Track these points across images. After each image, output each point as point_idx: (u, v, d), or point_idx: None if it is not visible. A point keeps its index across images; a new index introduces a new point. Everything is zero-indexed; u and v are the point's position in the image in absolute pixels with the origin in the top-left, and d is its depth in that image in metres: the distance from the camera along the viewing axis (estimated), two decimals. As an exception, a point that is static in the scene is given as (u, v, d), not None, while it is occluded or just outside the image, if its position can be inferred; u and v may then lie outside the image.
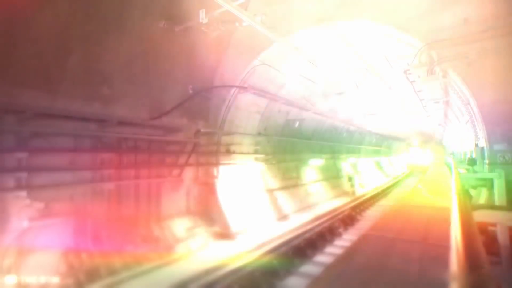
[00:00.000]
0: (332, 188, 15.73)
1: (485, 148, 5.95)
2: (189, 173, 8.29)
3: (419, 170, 32.61)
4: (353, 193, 16.58)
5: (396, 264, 3.34)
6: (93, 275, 5.35)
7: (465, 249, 0.78)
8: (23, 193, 4.90)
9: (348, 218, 10.43)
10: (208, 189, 8.87)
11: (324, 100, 12.50)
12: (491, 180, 5.61)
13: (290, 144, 12.65)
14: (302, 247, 7.32)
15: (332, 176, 16.68)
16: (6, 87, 4.84)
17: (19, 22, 4.65)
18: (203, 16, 5.57)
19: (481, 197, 6.62)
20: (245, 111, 9.41)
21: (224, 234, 8.15)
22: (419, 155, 39.00)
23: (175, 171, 7.84)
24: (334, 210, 11.91)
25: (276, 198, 10.90)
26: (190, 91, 7.87)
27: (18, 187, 4.92)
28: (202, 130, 8.35)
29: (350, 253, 3.78)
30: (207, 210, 8.79)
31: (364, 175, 22.00)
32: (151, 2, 5.97)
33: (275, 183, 11.36)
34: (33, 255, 5.14)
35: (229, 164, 9.05)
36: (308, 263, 6.71)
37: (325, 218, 10.23)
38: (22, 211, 4.93)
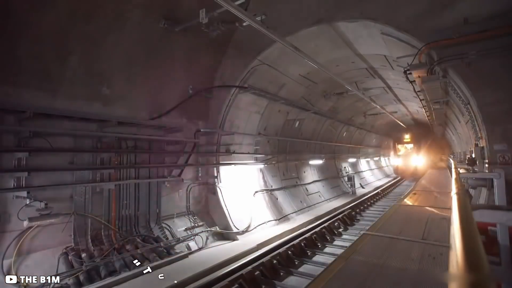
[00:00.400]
0: (332, 188, 15.73)
1: (485, 148, 5.95)
2: (189, 173, 8.30)
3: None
4: (353, 193, 16.58)
5: (395, 263, 3.34)
6: (93, 275, 5.35)
7: (465, 249, 0.77)
8: (23, 193, 4.90)
9: (348, 218, 10.44)
10: (208, 189, 8.88)
11: (324, 100, 12.50)
12: (491, 180, 5.61)
13: (290, 144, 12.65)
14: (302, 247, 7.33)
15: (332, 176, 16.68)
16: (6, 87, 4.84)
17: (19, 22, 4.66)
18: (203, 16, 5.57)
19: (481, 197, 6.62)
20: (245, 111, 9.41)
21: (225, 234, 8.16)
22: (411, 154, 27.59)
23: (175, 171, 7.85)
24: (334, 210, 11.92)
25: (276, 198, 10.91)
26: (190, 91, 7.88)
27: (18, 187, 4.92)
28: (202, 130, 8.37)
29: (350, 252, 3.78)
30: (207, 210, 8.80)
31: (364, 175, 22.01)
32: (151, 2, 5.97)
33: (275, 183, 11.37)
34: (33, 255, 5.14)
35: (229, 164, 9.05)
36: (308, 263, 6.71)
37: (325, 218, 10.24)
38: (22, 211, 4.93)
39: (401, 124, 20.86)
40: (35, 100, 5.12)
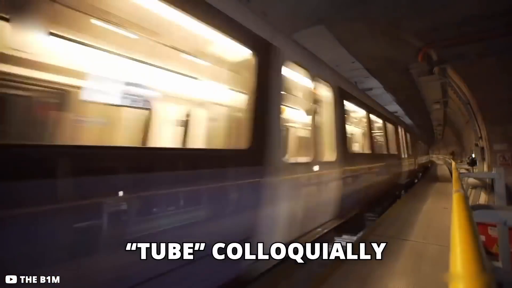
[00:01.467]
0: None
1: (485, 148, 5.96)
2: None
3: None
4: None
5: (395, 263, 3.34)
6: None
7: (465, 249, 0.77)
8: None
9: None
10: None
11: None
12: (491, 180, 5.61)
13: (290, 144, 12.59)
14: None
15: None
16: (6, 87, 4.83)
17: (19, 22, 4.65)
18: (203, 16, 5.56)
19: (481, 197, 6.62)
20: (245, 111, 9.40)
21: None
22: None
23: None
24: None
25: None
26: (190, 91, 7.86)
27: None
28: (202, 130, 8.34)
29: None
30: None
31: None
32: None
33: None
34: (33, 255, 5.13)
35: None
36: (309, 262, 6.70)
37: (325, 218, 10.21)
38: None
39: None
40: (35, 100, 5.10)
